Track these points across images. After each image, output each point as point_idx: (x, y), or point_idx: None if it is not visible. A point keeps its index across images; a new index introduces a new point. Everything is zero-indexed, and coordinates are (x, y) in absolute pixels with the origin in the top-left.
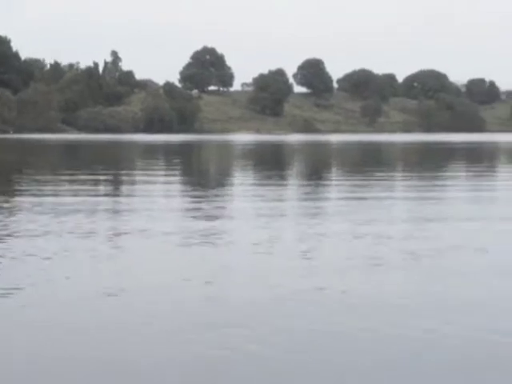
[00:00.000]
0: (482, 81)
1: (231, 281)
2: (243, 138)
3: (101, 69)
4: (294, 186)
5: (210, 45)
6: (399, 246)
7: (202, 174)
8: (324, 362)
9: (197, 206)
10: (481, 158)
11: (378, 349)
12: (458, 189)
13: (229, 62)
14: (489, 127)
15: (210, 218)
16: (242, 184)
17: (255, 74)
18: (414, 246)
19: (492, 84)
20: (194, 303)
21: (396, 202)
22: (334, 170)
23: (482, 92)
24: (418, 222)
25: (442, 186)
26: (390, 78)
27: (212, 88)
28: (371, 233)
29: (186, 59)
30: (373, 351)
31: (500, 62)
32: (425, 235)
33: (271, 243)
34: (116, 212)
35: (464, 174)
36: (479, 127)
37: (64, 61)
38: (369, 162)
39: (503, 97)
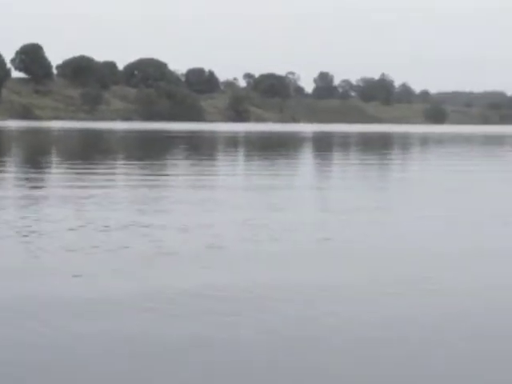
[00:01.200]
0: (201, 70)
1: None
2: None
3: None
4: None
5: None
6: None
7: None
8: None
9: None
10: (198, 147)
11: None
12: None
13: None
14: (208, 117)
15: None
16: None
17: None
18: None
19: (211, 74)
20: None
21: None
22: (53, 158)
23: (202, 81)
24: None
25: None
26: (111, 65)
27: None
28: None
29: None
30: None
31: (219, 53)
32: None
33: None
34: None
35: (181, 162)
36: (199, 116)
37: None
38: (90, 151)
39: (222, 87)
